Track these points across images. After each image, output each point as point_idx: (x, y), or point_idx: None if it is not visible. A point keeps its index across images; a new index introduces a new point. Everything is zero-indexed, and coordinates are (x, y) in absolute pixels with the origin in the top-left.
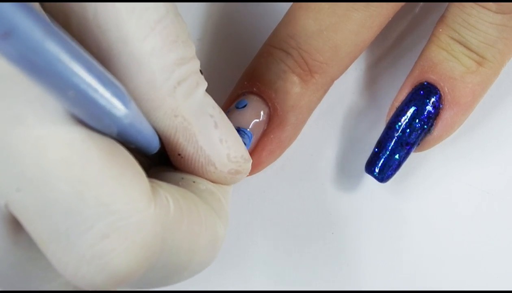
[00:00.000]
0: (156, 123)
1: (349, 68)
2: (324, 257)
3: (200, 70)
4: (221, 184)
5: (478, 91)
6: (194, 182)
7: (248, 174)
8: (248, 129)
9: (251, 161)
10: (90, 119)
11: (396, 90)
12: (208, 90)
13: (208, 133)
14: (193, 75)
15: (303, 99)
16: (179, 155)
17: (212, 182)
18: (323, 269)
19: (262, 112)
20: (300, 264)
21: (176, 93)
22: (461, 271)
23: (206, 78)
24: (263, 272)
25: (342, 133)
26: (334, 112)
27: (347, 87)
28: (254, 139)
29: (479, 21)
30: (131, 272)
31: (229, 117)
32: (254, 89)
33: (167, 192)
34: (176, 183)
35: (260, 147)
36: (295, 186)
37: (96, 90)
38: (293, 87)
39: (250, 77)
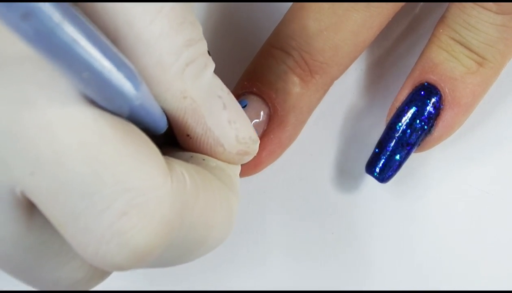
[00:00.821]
0: (164, 105)
1: (349, 68)
2: (324, 257)
3: (208, 52)
4: (230, 163)
5: (479, 92)
6: (203, 159)
7: (247, 173)
8: None
9: (259, 141)
10: (103, 100)
11: (396, 90)
12: None
13: (217, 114)
14: (201, 57)
15: (303, 99)
16: (188, 135)
17: (222, 160)
18: (323, 269)
19: (262, 113)
20: (300, 264)
21: (185, 75)
22: (461, 271)
23: None
24: (263, 272)
25: (342, 133)
26: (334, 112)
27: (347, 87)
28: None
29: (480, 22)
30: (151, 249)
31: None
32: (254, 89)
33: (182, 167)
34: (185, 161)
35: (260, 147)
36: (295, 186)
37: (110, 72)
38: (294, 88)
39: (250, 77)
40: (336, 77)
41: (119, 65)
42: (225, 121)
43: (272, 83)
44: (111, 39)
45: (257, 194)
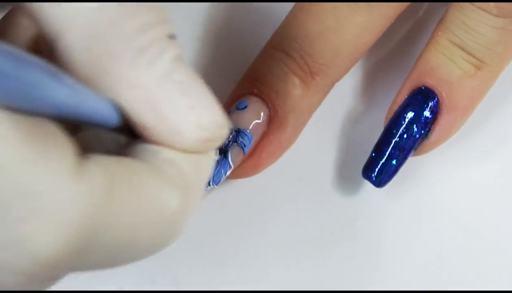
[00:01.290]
0: (117, 96)
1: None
2: (324, 257)
3: (173, 35)
4: (195, 152)
5: (476, 95)
6: (157, 152)
7: (246, 174)
8: (248, 131)
9: (227, 126)
10: (13, 101)
11: (395, 92)
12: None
13: (174, 101)
14: (157, 41)
15: (304, 101)
16: (144, 126)
17: (184, 151)
18: (322, 269)
19: (262, 114)
20: (300, 264)
21: (138, 63)
22: (461, 271)
23: (206, 78)
24: (263, 272)
25: (342, 134)
26: (334, 113)
27: (347, 88)
28: (254, 140)
29: (479, 24)
30: (57, 254)
31: (229, 119)
32: (255, 90)
33: (101, 166)
34: (137, 154)
35: (260, 148)
36: (295, 186)
37: (18, 69)
38: (294, 89)
39: (251, 78)
40: (337, 80)
41: (28, 63)
42: (183, 107)
43: (272, 85)
44: (54, 35)
45: (257, 194)
